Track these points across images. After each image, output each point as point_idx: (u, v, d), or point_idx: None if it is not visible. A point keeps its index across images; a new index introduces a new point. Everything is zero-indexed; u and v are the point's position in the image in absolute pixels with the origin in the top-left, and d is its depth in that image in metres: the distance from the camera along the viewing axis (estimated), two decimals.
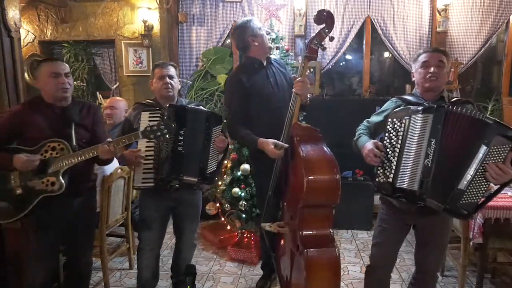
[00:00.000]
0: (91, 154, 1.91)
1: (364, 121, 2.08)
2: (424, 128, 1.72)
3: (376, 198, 3.92)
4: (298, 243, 1.82)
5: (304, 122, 2.21)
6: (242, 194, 3.15)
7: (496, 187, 1.70)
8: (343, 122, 2.62)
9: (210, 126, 2.16)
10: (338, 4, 4.15)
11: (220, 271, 3.02)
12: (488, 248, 2.46)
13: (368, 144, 1.87)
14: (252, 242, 3.19)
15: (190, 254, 2.48)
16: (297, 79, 2.04)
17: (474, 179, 1.63)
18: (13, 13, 2.51)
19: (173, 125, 1.93)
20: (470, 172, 1.63)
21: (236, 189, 3.16)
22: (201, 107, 2.36)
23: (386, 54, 4.86)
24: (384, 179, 1.81)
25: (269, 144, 2.13)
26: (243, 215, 3.16)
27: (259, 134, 2.22)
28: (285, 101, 2.16)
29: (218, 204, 3.45)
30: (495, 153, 1.60)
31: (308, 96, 2.16)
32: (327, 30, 2.00)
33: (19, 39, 2.64)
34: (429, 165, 1.69)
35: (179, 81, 2.31)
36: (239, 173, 3.19)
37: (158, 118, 2.06)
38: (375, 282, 2.08)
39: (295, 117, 2.03)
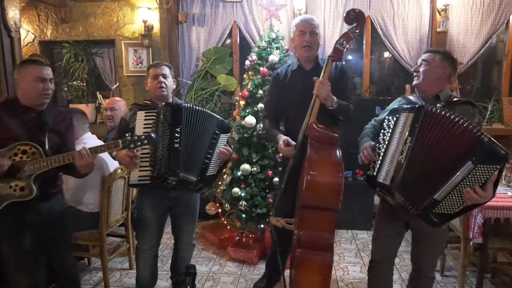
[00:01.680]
0: (66, 160, 1.86)
1: (372, 120, 2.13)
2: (403, 126, 1.77)
3: (376, 198, 3.91)
4: (295, 241, 1.83)
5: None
6: (242, 194, 3.15)
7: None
8: (343, 122, 2.61)
9: (219, 132, 2.17)
10: (338, 4, 4.16)
11: (220, 271, 3.02)
12: (488, 248, 2.47)
13: (366, 144, 1.95)
14: (251, 241, 3.20)
15: (189, 254, 2.48)
16: (317, 80, 2.03)
17: (452, 193, 1.61)
18: (13, 13, 2.52)
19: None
20: (450, 185, 1.60)
21: (236, 189, 3.16)
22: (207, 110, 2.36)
23: (386, 54, 4.86)
24: (372, 172, 1.89)
25: (280, 139, 2.16)
26: (243, 215, 3.16)
27: (290, 131, 2.24)
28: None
29: (218, 204, 3.45)
30: (480, 171, 1.54)
31: (335, 99, 2.10)
32: (356, 31, 1.98)
33: (19, 39, 2.64)
34: (402, 161, 1.73)
35: (174, 81, 2.29)
36: (239, 173, 3.19)
37: (154, 117, 2.06)
38: (376, 277, 2.10)
39: (313, 115, 2.01)
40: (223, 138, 2.20)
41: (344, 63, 2.30)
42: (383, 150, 1.84)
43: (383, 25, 4.17)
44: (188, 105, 2.14)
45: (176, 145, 2.05)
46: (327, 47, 4.14)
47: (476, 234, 2.36)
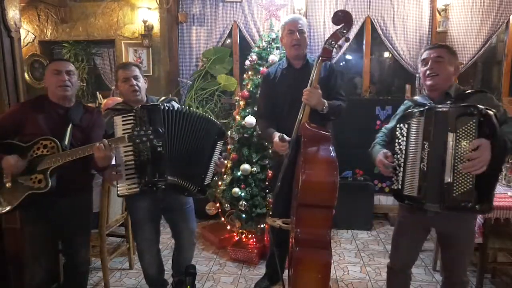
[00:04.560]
0: (78, 155, 1.90)
1: (383, 128, 2.07)
2: (417, 132, 1.72)
3: (376, 198, 3.94)
4: (293, 240, 1.84)
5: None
6: (242, 194, 3.15)
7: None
8: (343, 122, 2.62)
9: (216, 139, 2.14)
10: (338, 4, 4.15)
11: (220, 271, 3.02)
12: (488, 248, 2.46)
13: (379, 155, 1.86)
14: (251, 241, 3.20)
15: (191, 253, 2.48)
16: (305, 89, 2.03)
17: (455, 167, 1.58)
18: (13, 13, 2.51)
19: (161, 130, 1.90)
20: (449, 162, 1.58)
21: (236, 189, 3.16)
22: (174, 102, 2.30)
23: (386, 54, 4.86)
24: (397, 185, 1.81)
25: (275, 136, 2.17)
26: (243, 215, 3.16)
27: (282, 130, 2.24)
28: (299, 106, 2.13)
29: (218, 204, 3.45)
30: (464, 134, 1.56)
31: (326, 104, 2.11)
32: (344, 31, 1.98)
33: (19, 39, 2.63)
34: (425, 169, 1.67)
35: (145, 80, 2.25)
36: (239, 173, 3.19)
37: (131, 121, 1.99)
38: (393, 281, 2.08)
39: (305, 115, 2.02)
40: (219, 145, 2.18)
41: (332, 62, 2.30)
42: (402, 160, 1.78)
43: (383, 25, 4.17)
44: (166, 106, 2.07)
45: (159, 149, 1.97)
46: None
47: (476, 234, 2.36)
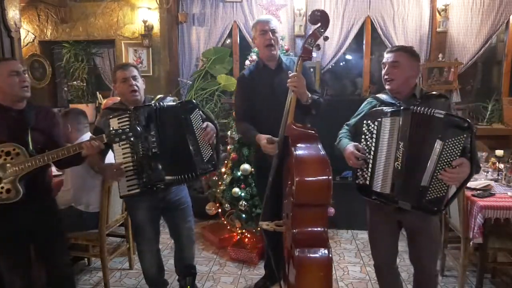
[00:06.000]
0: (50, 158, 1.83)
1: (344, 125, 2.09)
2: (392, 131, 1.74)
3: None
4: (291, 241, 1.84)
5: (308, 125, 2.16)
6: (242, 194, 3.15)
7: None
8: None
9: (185, 117, 2.09)
10: (338, 4, 4.16)
11: (220, 271, 3.02)
12: (488, 248, 2.46)
13: (349, 147, 1.89)
14: (251, 241, 3.20)
15: (192, 251, 2.49)
16: (293, 74, 2.02)
17: (435, 174, 1.64)
18: (13, 13, 2.52)
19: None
20: (430, 168, 1.64)
21: (236, 189, 3.16)
22: (169, 99, 2.29)
23: None
24: (363, 181, 1.84)
25: (262, 139, 2.15)
26: (243, 215, 3.16)
27: (262, 131, 2.22)
28: (284, 104, 2.12)
29: (218, 204, 3.45)
30: (451, 145, 1.61)
31: (309, 94, 2.13)
32: (322, 30, 1.99)
33: (19, 39, 2.64)
34: (399, 168, 1.71)
35: (143, 80, 2.25)
36: (239, 173, 3.19)
37: (127, 122, 1.99)
38: (385, 281, 2.09)
39: (291, 115, 2.02)
40: (194, 118, 2.11)
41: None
42: (370, 157, 1.81)
43: (383, 25, 4.17)
44: (157, 105, 2.07)
45: (154, 150, 2.00)
46: (326, 47, 4.17)
47: (476, 234, 2.35)
